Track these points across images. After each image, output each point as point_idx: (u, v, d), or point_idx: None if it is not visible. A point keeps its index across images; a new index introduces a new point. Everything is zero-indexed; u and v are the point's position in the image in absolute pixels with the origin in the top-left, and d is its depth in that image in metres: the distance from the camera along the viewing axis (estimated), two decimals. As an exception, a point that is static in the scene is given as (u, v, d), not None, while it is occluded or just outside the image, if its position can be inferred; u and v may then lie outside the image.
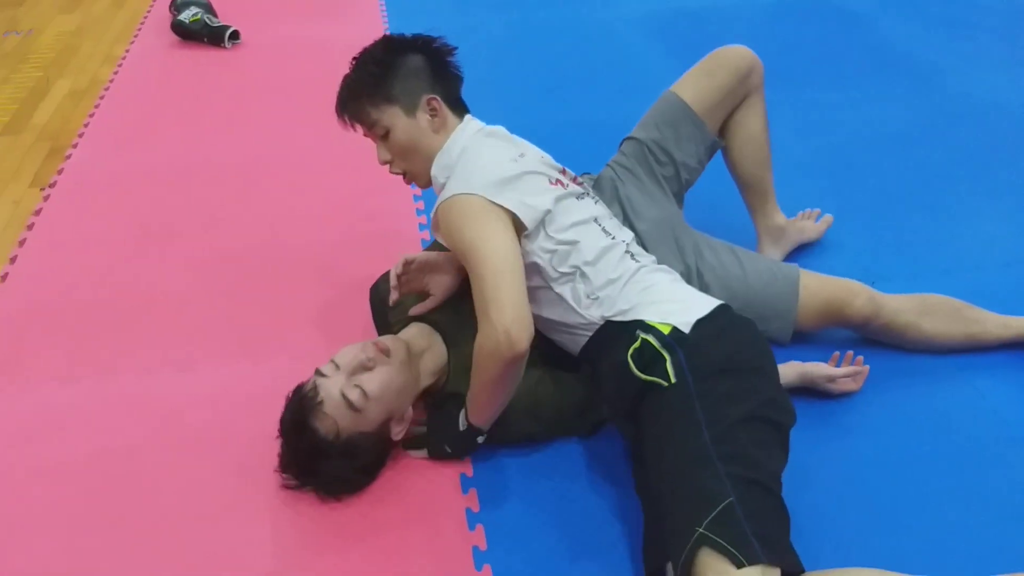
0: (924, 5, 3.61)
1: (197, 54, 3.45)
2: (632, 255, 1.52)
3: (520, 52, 3.37)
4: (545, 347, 1.60)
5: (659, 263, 1.60)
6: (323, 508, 1.52)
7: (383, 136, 1.57)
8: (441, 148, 1.56)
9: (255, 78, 3.25)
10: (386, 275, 1.78)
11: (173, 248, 2.27)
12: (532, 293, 1.52)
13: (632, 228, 1.77)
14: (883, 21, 3.48)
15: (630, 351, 1.38)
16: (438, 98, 1.56)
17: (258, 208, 2.43)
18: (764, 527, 1.18)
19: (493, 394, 1.45)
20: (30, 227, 2.38)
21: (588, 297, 1.47)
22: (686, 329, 1.38)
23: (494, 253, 1.36)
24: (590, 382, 1.60)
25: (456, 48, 1.63)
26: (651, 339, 1.38)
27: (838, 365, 1.70)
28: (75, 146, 2.81)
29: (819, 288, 1.74)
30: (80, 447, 1.67)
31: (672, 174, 1.87)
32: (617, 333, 1.43)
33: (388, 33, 1.65)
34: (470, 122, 1.60)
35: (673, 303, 1.44)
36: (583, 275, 1.47)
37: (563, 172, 1.61)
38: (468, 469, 1.59)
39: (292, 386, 1.54)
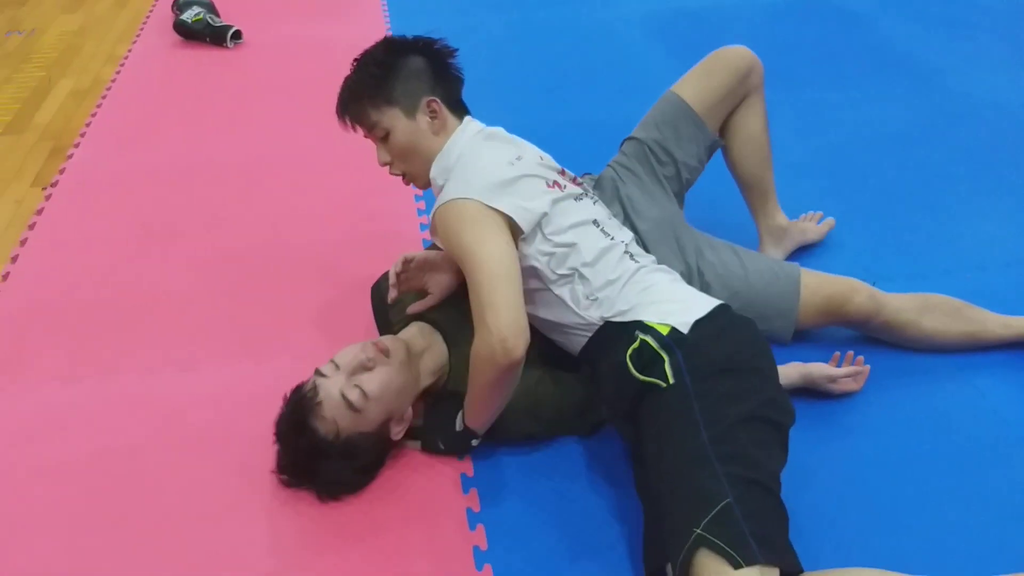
0: (924, 5, 3.61)
1: (199, 54, 3.46)
2: (631, 255, 1.52)
3: (521, 52, 3.37)
4: (545, 347, 1.61)
5: (660, 263, 1.60)
6: (323, 508, 1.52)
7: (383, 138, 1.58)
8: (440, 150, 1.57)
9: (257, 78, 3.25)
10: (387, 274, 1.78)
11: (175, 248, 2.27)
12: (531, 295, 1.52)
13: (633, 228, 1.77)
14: (883, 21, 3.48)
15: (629, 352, 1.39)
16: (438, 100, 1.56)
17: (260, 208, 2.43)
18: (762, 527, 1.18)
19: (489, 399, 1.47)
20: (32, 226, 2.39)
21: (587, 298, 1.47)
22: (685, 330, 1.38)
23: (490, 259, 1.37)
24: (590, 382, 1.60)
25: (457, 49, 1.63)
26: (650, 340, 1.38)
27: (839, 365, 1.70)
28: (77, 146, 2.81)
29: (820, 286, 1.75)
30: (82, 447, 1.68)
31: (673, 174, 1.87)
32: (616, 334, 1.44)
33: (389, 35, 1.65)
34: (469, 124, 1.60)
35: (672, 303, 1.44)
36: (582, 276, 1.47)
37: (562, 173, 1.61)
38: (469, 469, 1.59)
39: (293, 386, 1.54)
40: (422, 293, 1.71)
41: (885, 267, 2.06)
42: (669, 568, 1.25)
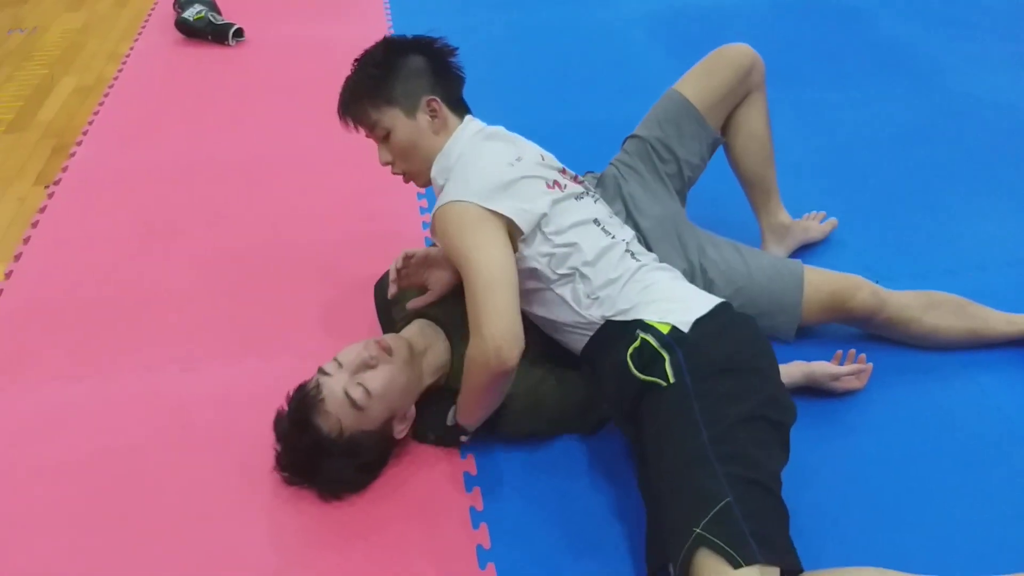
0: (925, 4, 3.61)
1: (201, 52, 3.46)
2: (632, 254, 1.52)
3: (522, 51, 3.37)
4: (547, 346, 1.61)
5: (662, 261, 1.60)
6: (326, 506, 1.52)
7: (384, 138, 1.58)
8: (441, 149, 1.57)
9: (259, 76, 3.25)
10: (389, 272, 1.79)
11: (177, 246, 2.27)
12: (532, 294, 1.53)
13: (635, 226, 1.77)
14: (884, 20, 3.48)
15: (629, 351, 1.39)
16: (438, 99, 1.57)
17: (262, 207, 2.44)
18: (762, 527, 1.18)
19: (480, 401, 1.49)
20: (35, 225, 2.39)
21: (588, 297, 1.47)
22: (685, 328, 1.38)
23: (488, 265, 1.38)
24: (592, 381, 1.60)
25: (457, 49, 1.63)
26: (650, 339, 1.38)
27: (841, 363, 1.70)
28: (80, 144, 2.81)
29: (823, 282, 1.75)
30: (83, 445, 1.68)
31: (675, 171, 1.87)
32: (617, 333, 1.44)
33: (389, 35, 1.66)
34: (470, 123, 1.60)
35: (673, 302, 1.44)
36: (582, 276, 1.47)
37: (563, 172, 1.61)
38: (472, 467, 1.59)
39: (295, 385, 1.54)
40: (423, 289, 1.72)
41: (886, 266, 2.06)
42: (671, 567, 1.26)
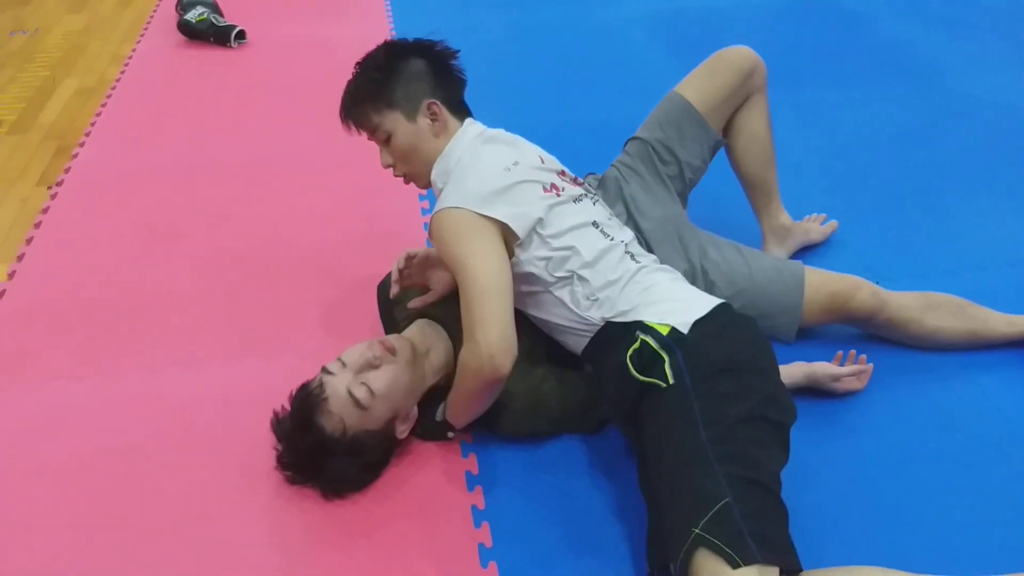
0: (925, 5, 3.62)
1: (203, 54, 3.47)
2: (632, 255, 1.52)
3: (522, 52, 3.38)
4: (549, 345, 1.62)
5: (663, 262, 1.61)
6: (328, 505, 1.53)
7: (385, 141, 1.60)
8: (441, 152, 1.58)
9: (261, 78, 3.26)
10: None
11: (179, 247, 2.28)
12: (531, 297, 1.54)
13: (636, 227, 1.78)
14: (884, 21, 3.48)
15: (629, 352, 1.39)
16: (438, 102, 1.58)
17: (263, 207, 2.44)
18: (761, 527, 1.19)
19: (470, 404, 1.51)
20: (37, 225, 2.40)
21: (587, 299, 1.48)
22: (685, 330, 1.38)
23: (482, 273, 1.39)
24: (593, 381, 1.61)
25: (458, 51, 1.64)
26: (650, 340, 1.38)
27: (842, 364, 1.71)
28: (82, 145, 2.82)
29: (824, 283, 1.75)
30: (84, 445, 1.68)
31: (676, 173, 1.88)
32: (617, 334, 1.44)
33: (391, 37, 1.67)
34: (470, 126, 1.61)
35: (673, 303, 1.44)
36: (581, 278, 1.48)
37: (562, 174, 1.61)
38: (473, 467, 1.60)
39: (297, 385, 1.55)
40: (425, 289, 1.73)
41: (887, 267, 2.07)
42: (672, 566, 1.26)
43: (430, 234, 1.52)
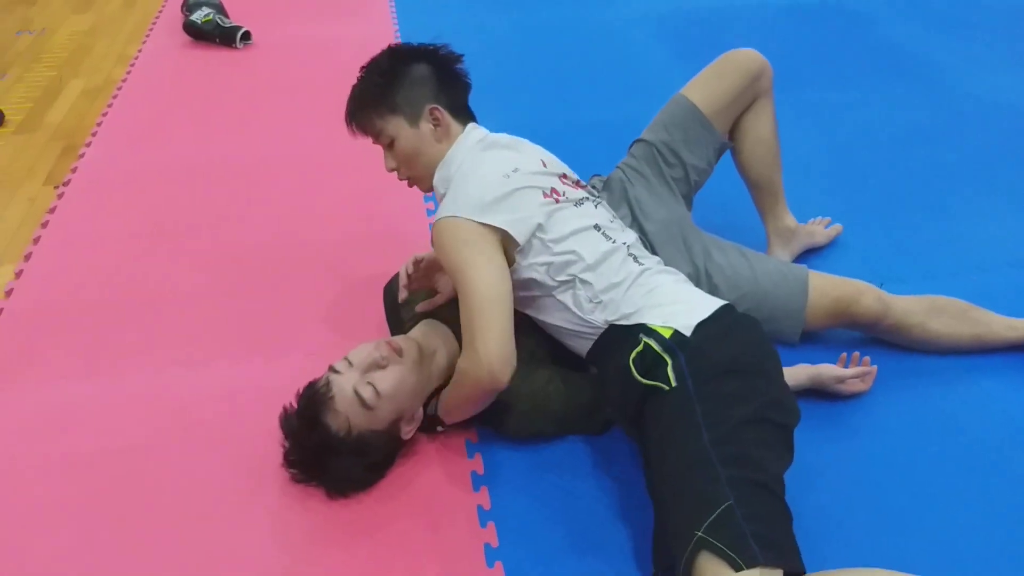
0: (927, 6, 3.62)
1: (209, 54, 3.47)
2: (635, 257, 1.53)
3: (527, 52, 3.38)
4: (553, 347, 1.62)
5: (667, 264, 1.61)
6: (334, 505, 1.53)
7: (389, 145, 1.61)
8: (443, 158, 1.60)
9: (266, 78, 3.26)
10: (399, 275, 1.80)
11: (185, 246, 2.29)
12: (534, 301, 1.54)
13: (640, 229, 1.78)
14: (887, 22, 3.48)
15: (632, 355, 1.40)
16: (440, 108, 1.59)
17: (269, 207, 2.45)
18: (764, 529, 1.19)
19: (465, 408, 1.53)
20: (44, 225, 2.40)
21: (590, 302, 1.48)
22: (688, 332, 1.38)
23: (483, 283, 1.40)
24: (598, 383, 1.61)
25: (462, 55, 1.65)
26: (652, 343, 1.39)
27: (846, 366, 1.71)
28: (89, 145, 2.83)
29: (828, 288, 1.76)
30: (92, 444, 1.69)
31: (681, 176, 1.88)
32: (621, 337, 1.44)
33: (395, 42, 1.68)
34: (472, 132, 1.62)
35: (676, 305, 1.44)
36: (583, 282, 1.48)
37: (563, 178, 1.61)
38: (479, 467, 1.60)
39: (303, 384, 1.55)
40: (432, 292, 1.74)
41: (890, 269, 2.07)
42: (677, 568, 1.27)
43: (431, 242, 1.53)
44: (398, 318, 1.80)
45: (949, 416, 1.68)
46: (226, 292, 2.11)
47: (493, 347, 1.37)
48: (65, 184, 2.61)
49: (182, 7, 3.63)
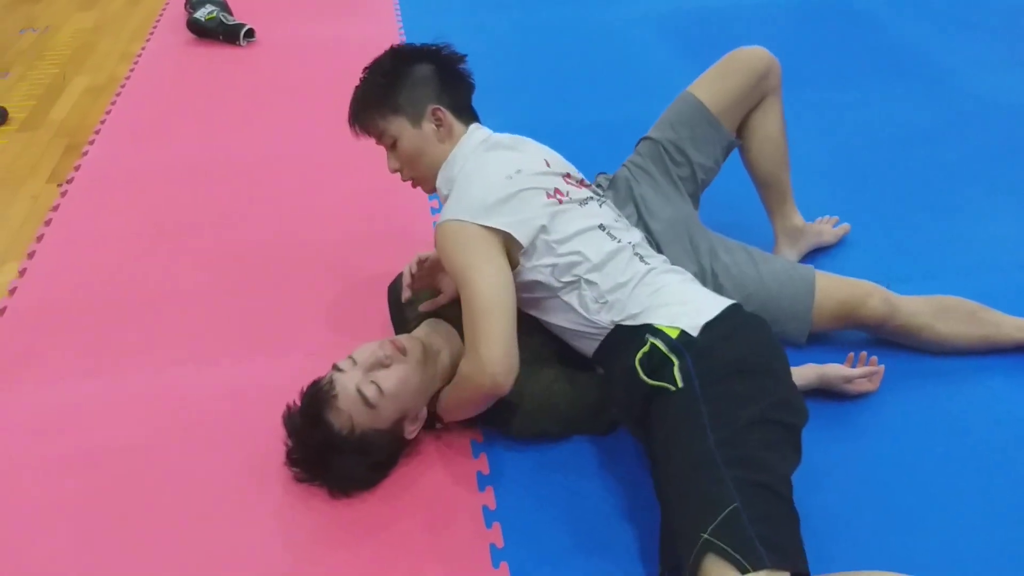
0: (931, 5, 3.60)
1: (212, 52, 3.47)
2: (641, 257, 1.52)
3: (531, 51, 3.38)
4: (560, 347, 1.61)
5: (673, 263, 1.60)
6: (338, 505, 1.53)
7: (392, 146, 1.61)
8: (446, 159, 1.59)
9: (270, 76, 3.26)
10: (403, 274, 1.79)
11: (188, 245, 2.28)
12: (540, 302, 1.54)
13: (646, 228, 1.77)
14: (893, 21, 3.46)
15: (638, 356, 1.39)
16: (442, 108, 1.59)
17: (273, 205, 2.44)
18: (770, 531, 1.18)
19: (465, 409, 1.54)
20: (48, 223, 2.40)
21: (596, 302, 1.48)
22: (694, 332, 1.38)
23: (486, 289, 1.40)
24: (604, 382, 1.60)
25: (465, 55, 1.64)
26: (659, 343, 1.38)
27: (853, 365, 1.70)
28: (92, 143, 2.83)
29: (835, 289, 1.74)
30: (94, 442, 1.69)
31: (688, 174, 1.87)
32: (627, 337, 1.44)
33: (399, 37, 1.68)
34: (475, 132, 1.62)
35: (683, 305, 1.44)
36: (588, 283, 1.48)
37: (567, 177, 1.61)
38: (484, 467, 1.59)
39: (306, 383, 1.55)
40: (436, 292, 1.73)
41: (899, 268, 2.06)
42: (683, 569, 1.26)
43: (435, 244, 1.53)
44: (402, 317, 1.79)
45: (957, 416, 1.67)
46: (229, 291, 2.11)
47: (496, 353, 1.37)
48: (68, 182, 2.61)
49: (186, 5, 3.63)
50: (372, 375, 1.48)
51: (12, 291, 2.13)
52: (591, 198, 1.59)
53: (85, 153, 2.76)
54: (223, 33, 3.49)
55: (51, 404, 1.79)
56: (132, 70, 3.35)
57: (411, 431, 1.55)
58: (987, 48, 3.21)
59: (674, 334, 1.38)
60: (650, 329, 1.41)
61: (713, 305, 1.44)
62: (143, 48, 3.56)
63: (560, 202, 1.53)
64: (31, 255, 2.27)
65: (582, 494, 1.54)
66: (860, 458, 1.59)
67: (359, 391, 1.47)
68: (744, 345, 1.39)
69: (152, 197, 2.51)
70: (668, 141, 1.86)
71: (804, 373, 1.65)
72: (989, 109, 2.78)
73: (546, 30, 3.55)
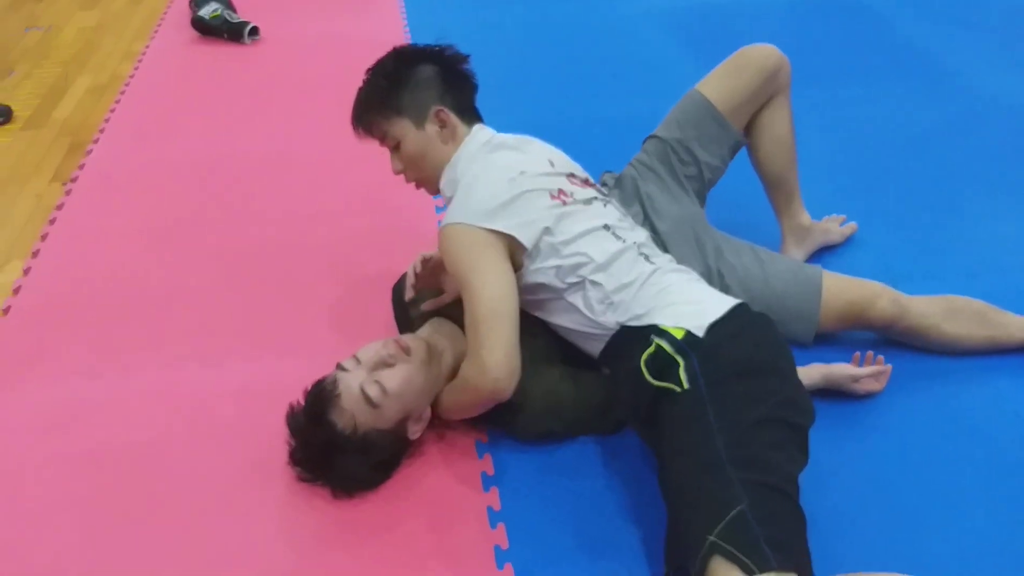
0: (942, 5, 3.58)
1: (216, 50, 3.47)
2: (646, 257, 1.51)
3: (536, 48, 3.37)
4: (566, 347, 1.61)
5: (679, 263, 1.59)
6: (342, 505, 1.53)
7: (395, 147, 1.61)
8: (449, 160, 1.59)
9: (274, 74, 3.26)
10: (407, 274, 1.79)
11: (193, 243, 2.28)
12: (545, 303, 1.54)
13: (652, 227, 1.77)
14: (897, 19, 3.45)
15: (644, 357, 1.38)
16: (446, 109, 1.59)
17: (277, 204, 2.44)
18: (777, 532, 1.17)
19: (465, 411, 1.54)
20: (52, 221, 2.40)
21: (601, 303, 1.47)
22: (700, 333, 1.37)
23: (489, 292, 1.40)
24: (610, 383, 1.60)
25: (469, 56, 1.64)
26: (664, 344, 1.37)
27: (860, 365, 1.69)
28: (96, 141, 2.83)
29: (842, 290, 1.73)
30: (98, 440, 1.69)
31: (695, 173, 1.86)
32: (632, 338, 1.43)
33: (404, 33, 1.68)
34: (478, 133, 1.61)
35: (688, 305, 1.43)
36: (593, 283, 1.47)
37: (571, 177, 1.60)
38: (489, 468, 1.59)
39: (310, 382, 1.54)
40: (439, 291, 1.72)
41: (906, 267, 2.05)
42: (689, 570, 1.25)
43: (438, 246, 1.53)
44: (406, 317, 1.79)
45: (964, 416, 1.66)
46: (233, 289, 2.11)
47: (499, 358, 1.37)
48: (73, 180, 2.61)
49: (190, 2, 3.63)
50: (376, 375, 1.48)
51: (16, 290, 2.13)
52: (595, 198, 1.58)
53: (89, 152, 2.76)
54: (227, 31, 3.49)
55: (56, 402, 1.79)
56: (136, 69, 3.35)
57: (415, 431, 1.55)
58: (995, 47, 3.19)
59: (679, 335, 1.37)
60: (655, 330, 1.40)
61: (719, 304, 1.43)
62: (147, 46, 3.55)
63: (564, 203, 1.52)
64: (35, 254, 2.27)
65: (587, 495, 1.53)
66: (866, 458, 1.58)
67: (363, 391, 1.46)
68: (750, 344, 1.38)
69: (156, 195, 2.51)
70: (675, 140, 1.85)
71: (810, 372, 1.64)
72: (994, 109, 2.76)
73: (551, 26, 3.54)
